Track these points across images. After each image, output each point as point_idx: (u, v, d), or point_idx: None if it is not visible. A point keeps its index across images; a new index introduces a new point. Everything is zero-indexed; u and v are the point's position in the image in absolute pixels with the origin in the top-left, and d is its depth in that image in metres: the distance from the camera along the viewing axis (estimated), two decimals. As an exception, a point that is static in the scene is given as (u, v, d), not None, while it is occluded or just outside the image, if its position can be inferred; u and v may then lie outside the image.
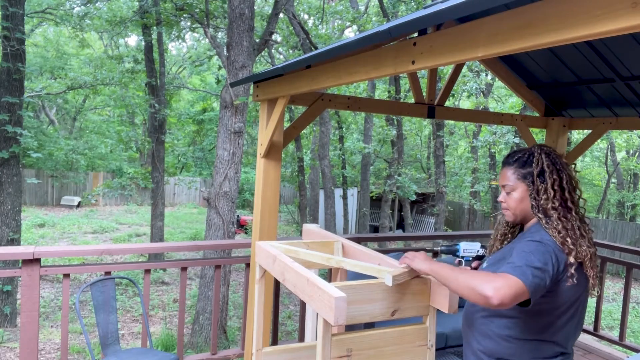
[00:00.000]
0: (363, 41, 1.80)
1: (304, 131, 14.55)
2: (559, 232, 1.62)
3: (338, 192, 17.18)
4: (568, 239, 1.60)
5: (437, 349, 3.75)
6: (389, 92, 11.68)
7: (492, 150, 14.68)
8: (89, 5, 12.61)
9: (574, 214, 1.68)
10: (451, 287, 1.59)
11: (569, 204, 1.68)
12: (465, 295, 1.51)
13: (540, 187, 1.69)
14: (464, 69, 10.30)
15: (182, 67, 23.61)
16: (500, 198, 1.81)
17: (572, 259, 1.57)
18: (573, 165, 1.81)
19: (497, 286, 1.43)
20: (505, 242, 1.88)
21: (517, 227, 1.88)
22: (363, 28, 11.25)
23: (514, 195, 1.74)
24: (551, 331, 1.63)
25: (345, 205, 16.02)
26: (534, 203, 1.70)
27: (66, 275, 3.08)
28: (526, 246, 1.58)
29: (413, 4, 9.61)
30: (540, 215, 1.68)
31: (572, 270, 1.57)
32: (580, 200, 1.74)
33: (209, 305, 6.15)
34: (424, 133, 21.17)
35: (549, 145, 4.33)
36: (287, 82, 2.69)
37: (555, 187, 1.68)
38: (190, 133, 25.96)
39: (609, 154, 18.08)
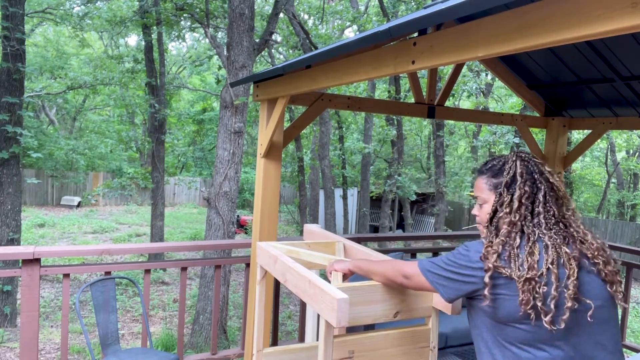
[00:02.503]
0: (363, 41, 1.80)
1: (304, 131, 14.55)
2: (491, 245, 1.44)
3: (338, 192, 17.18)
4: (495, 255, 1.40)
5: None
6: (389, 92, 11.68)
7: (492, 150, 14.68)
8: (89, 5, 12.61)
9: (550, 227, 1.43)
10: (377, 272, 1.72)
11: (545, 219, 1.44)
12: (390, 276, 1.67)
13: (505, 199, 1.49)
14: (464, 69, 10.30)
15: (182, 67, 23.61)
16: (474, 211, 1.64)
17: (487, 279, 1.39)
18: (559, 174, 1.58)
19: (402, 267, 1.64)
20: None
21: None
22: (363, 28, 11.24)
23: (486, 208, 1.56)
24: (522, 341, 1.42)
25: (345, 205, 16.01)
26: (491, 215, 1.52)
27: (66, 275, 3.08)
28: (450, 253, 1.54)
29: (413, 4, 9.61)
30: (491, 227, 1.50)
31: (487, 292, 1.39)
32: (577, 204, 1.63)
33: (209, 305, 6.15)
34: (424, 133, 21.17)
35: (549, 144, 4.36)
36: (287, 82, 2.69)
37: (523, 200, 1.46)
38: (190, 133, 25.96)
39: (609, 154, 18.08)
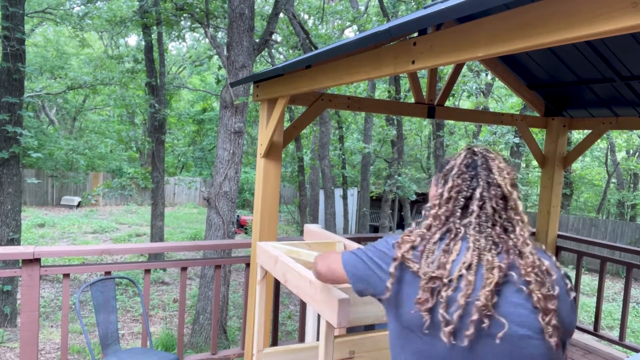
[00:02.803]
0: (363, 41, 1.80)
1: (304, 131, 14.56)
2: (409, 235, 1.27)
3: (338, 192, 17.19)
4: (407, 245, 1.24)
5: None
6: (389, 92, 11.67)
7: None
8: (89, 5, 12.62)
9: (481, 230, 1.20)
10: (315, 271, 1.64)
11: (478, 218, 1.21)
12: (315, 268, 1.58)
13: (438, 190, 1.31)
14: (464, 69, 10.30)
15: (182, 67, 23.62)
16: None
17: (392, 269, 1.24)
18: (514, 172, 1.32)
19: (324, 256, 1.53)
20: None
21: None
22: (363, 28, 11.24)
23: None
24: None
25: (345, 205, 16.02)
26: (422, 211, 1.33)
27: (66, 275, 3.08)
28: None
29: (413, 4, 9.61)
30: (419, 220, 1.32)
31: (389, 284, 1.24)
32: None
33: (209, 305, 6.16)
34: (424, 133, 21.18)
35: (549, 144, 4.36)
36: (287, 82, 2.69)
37: (453, 193, 1.26)
38: (190, 133, 25.98)
39: (609, 154, 18.08)
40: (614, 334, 4.30)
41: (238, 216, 17.00)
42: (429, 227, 1.26)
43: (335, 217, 13.25)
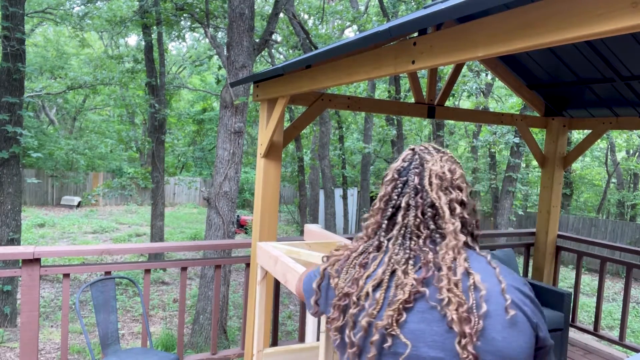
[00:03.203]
0: (363, 41, 1.80)
1: (304, 131, 14.56)
2: (339, 249, 1.22)
3: (338, 192, 17.19)
4: (333, 260, 1.19)
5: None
6: (389, 92, 11.67)
7: (492, 150, 14.69)
8: (89, 5, 12.62)
9: (402, 242, 1.09)
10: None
11: (402, 229, 1.10)
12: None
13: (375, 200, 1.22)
14: (464, 69, 10.30)
15: (182, 67, 23.62)
16: None
17: (314, 285, 1.21)
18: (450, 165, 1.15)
19: (303, 272, 1.50)
20: None
21: None
22: (363, 28, 11.24)
23: None
24: None
25: (345, 205, 16.02)
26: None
27: (66, 275, 3.08)
28: None
29: (413, 4, 9.61)
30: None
31: (312, 300, 1.20)
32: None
33: (209, 305, 6.16)
34: (424, 133, 21.17)
35: (549, 144, 4.35)
36: (287, 82, 2.69)
37: (381, 204, 1.16)
38: (190, 133, 25.98)
39: (609, 154, 18.08)
40: (614, 334, 4.30)
41: (238, 216, 17.00)
42: (357, 240, 1.19)
43: (335, 217, 13.26)
